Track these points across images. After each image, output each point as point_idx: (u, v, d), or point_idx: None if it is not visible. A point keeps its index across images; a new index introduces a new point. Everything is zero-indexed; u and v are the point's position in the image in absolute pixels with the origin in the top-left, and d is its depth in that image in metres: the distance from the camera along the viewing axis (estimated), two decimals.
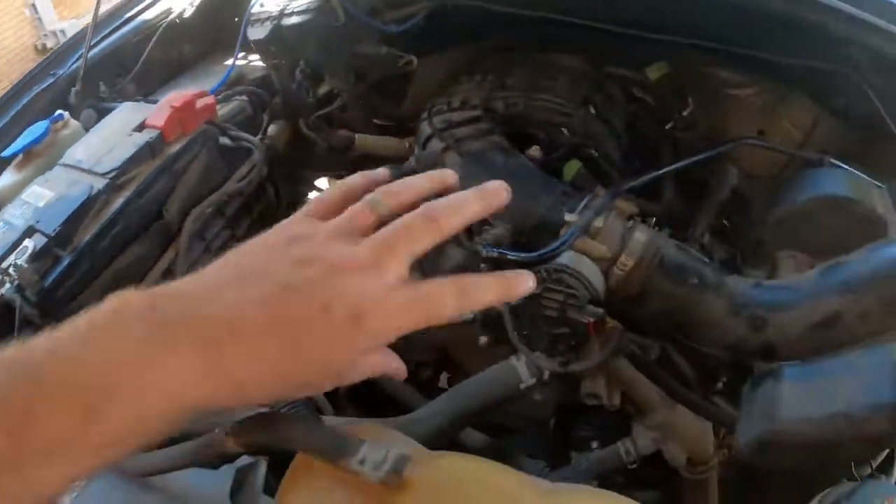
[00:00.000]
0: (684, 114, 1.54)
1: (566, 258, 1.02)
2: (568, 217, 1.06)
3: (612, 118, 1.42)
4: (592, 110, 1.38)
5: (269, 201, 1.50)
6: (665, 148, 1.50)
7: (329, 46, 1.48)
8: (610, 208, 1.09)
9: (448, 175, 0.64)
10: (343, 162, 1.66)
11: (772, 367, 0.96)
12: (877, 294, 0.92)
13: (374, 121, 1.67)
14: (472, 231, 1.21)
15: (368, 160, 1.62)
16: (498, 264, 1.06)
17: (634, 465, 1.24)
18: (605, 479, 1.38)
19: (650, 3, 1.41)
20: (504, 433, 1.49)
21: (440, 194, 0.60)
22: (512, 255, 1.03)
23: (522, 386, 1.17)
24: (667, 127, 1.52)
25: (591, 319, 0.98)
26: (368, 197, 0.57)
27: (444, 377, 1.49)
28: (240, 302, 0.48)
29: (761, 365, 0.99)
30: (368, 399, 1.50)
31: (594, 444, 1.31)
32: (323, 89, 1.59)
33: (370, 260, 0.51)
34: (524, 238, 1.13)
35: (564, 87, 1.39)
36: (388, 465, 0.64)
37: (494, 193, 0.60)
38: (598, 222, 1.05)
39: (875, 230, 1.08)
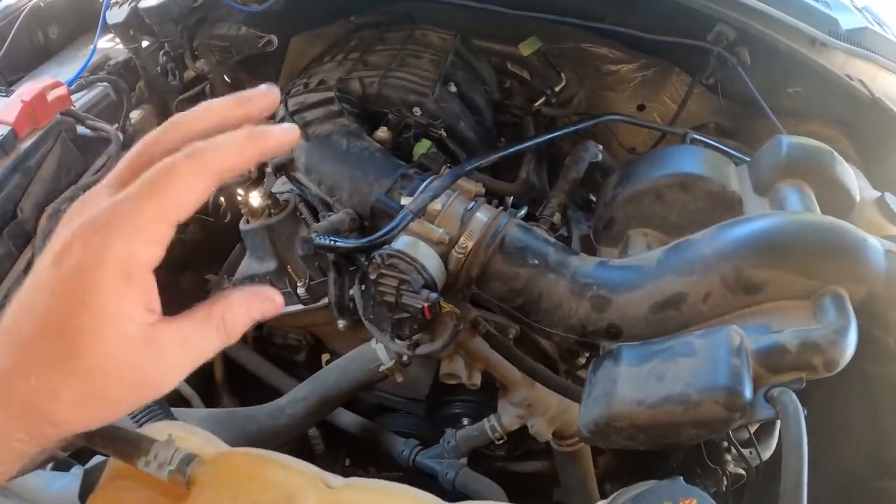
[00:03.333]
0: (557, 89, 1.49)
1: (401, 243, 0.95)
2: (403, 201, 0.98)
3: (475, 96, 1.35)
4: (454, 88, 1.30)
5: None
6: (530, 123, 1.44)
7: (188, 28, 1.39)
8: (454, 189, 1.03)
9: (260, 93, 0.47)
10: None
11: (612, 347, 0.92)
12: (721, 274, 0.87)
13: None
14: (318, 214, 1.16)
15: None
16: (333, 251, 1.00)
17: (502, 441, 1.21)
18: (488, 453, 1.36)
19: None
20: (384, 412, 1.45)
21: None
22: (341, 242, 0.96)
23: (382, 368, 1.13)
24: (535, 104, 1.46)
25: (426, 303, 0.92)
26: (148, 136, 0.45)
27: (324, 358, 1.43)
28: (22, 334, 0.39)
29: (607, 344, 0.94)
30: (242, 386, 1.45)
31: (465, 421, 1.27)
32: (190, 73, 1.49)
33: (124, 212, 0.40)
34: (366, 223, 1.05)
35: (426, 65, 1.31)
36: (174, 464, 0.66)
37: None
38: (437, 205, 0.99)
39: (728, 207, 1.03)
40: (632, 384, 0.82)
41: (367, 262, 0.97)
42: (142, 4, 1.33)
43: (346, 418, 1.37)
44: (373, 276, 0.94)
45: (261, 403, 1.23)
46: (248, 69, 1.51)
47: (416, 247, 0.94)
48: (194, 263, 1.56)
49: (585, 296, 0.94)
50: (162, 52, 1.43)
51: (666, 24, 1.33)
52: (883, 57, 1.48)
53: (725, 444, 1.28)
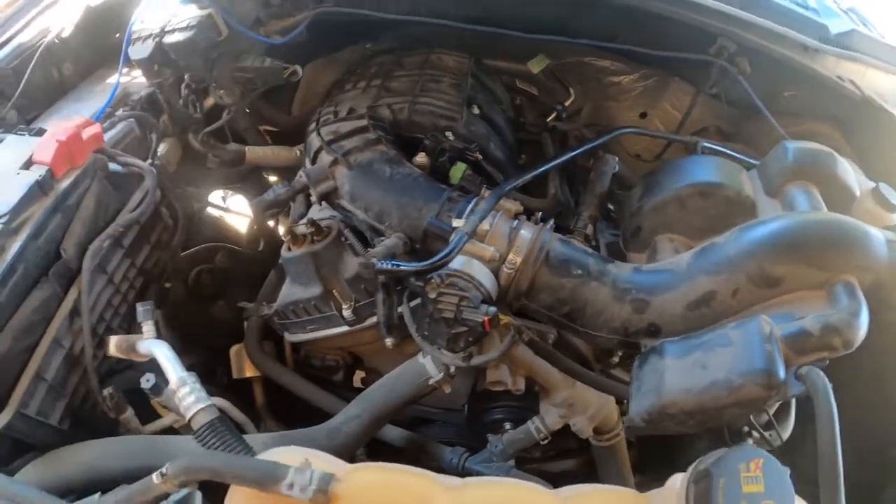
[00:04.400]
0: (566, 104, 1.67)
1: (457, 263, 1.11)
2: (455, 223, 1.15)
3: (494, 116, 1.52)
4: (476, 110, 1.47)
5: (166, 224, 1.53)
6: (547, 140, 1.62)
7: (213, 61, 1.49)
8: (496, 209, 1.20)
9: None
10: (235, 175, 1.69)
11: (655, 344, 1.10)
12: (746, 272, 1.06)
13: (263, 127, 1.70)
14: (366, 239, 1.30)
15: (260, 171, 1.67)
16: (393, 275, 1.15)
17: (546, 441, 1.38)
18: (525, 454, 1.51)
19: (531, 6, 1.51)
20: (423, 424, 1.60)
21: None
22: (404, 266, 1.11)
23: (431, 381, 1.28)
24: (548, 120, 1.64)
25: (486, 317, 1.08)
26: None
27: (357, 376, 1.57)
28: None
29: (648, 342, 1.12)
30: (286, 409, 1.57)
31: (507, 426, 1.43)
32: (209, 103, 1.60)
33: None
34: (418, 245, 1.21)
35: (448, 89, 1.48)
36: (314, 485, 0.75)
37: None
38: (486, 225, 1.16)
39: (744, 210, 1.22)
40: (678, 375, 1.01)
41: (422, 283, 1.12)
42: (167, 40, 1.43)
43: (391, 432, 1.51)
44: (433, 295, 1.10)
45: (301, 424, 1.34)
46: (265, 98, 1.64)
47: (472, 265, 1.11)
48: (225, 293, 1.68)
49: (626, 300, 1.12)
50: (184, 85, 1.53)
51: (670, 40, 1.52)
52: (870, 56, 1.68)
53: (746, 428, 1.47)
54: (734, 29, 1.48)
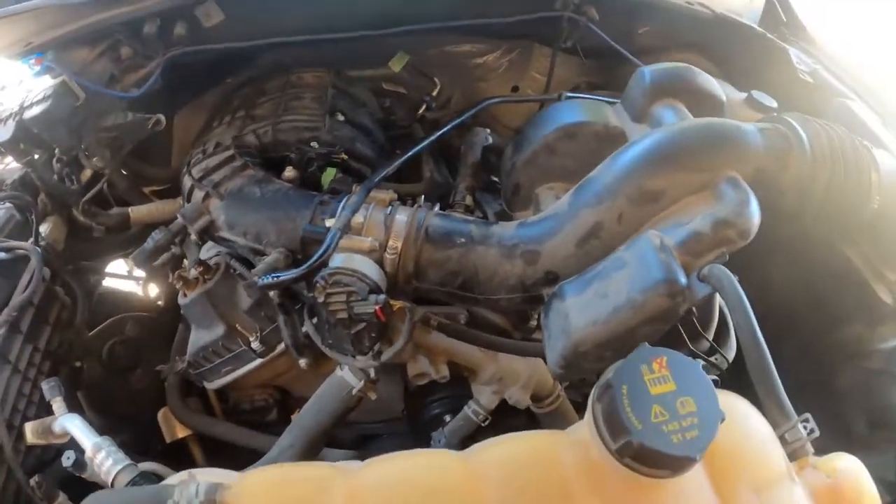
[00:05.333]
0: (434, 94, 1.61)
1: (337, 260, 1.03)
2: (329, 223, 1.07)
3: (361, 119, 1.45)
4: (340, 117, 1.40)
5: (64, 303, 1.42)
6: (418, 129, 1.56)
7: (77, 128, 1.40)
8: (369, 201, 1.12)
9: None
10: (128, 240, 1.59)
11: (553, 289, 1.02)
12: (625, 194, 1.00)
13: (148, 189, 1.61)
14: (254, 266, 1.21)
15: (151, 229, 1.57)
16: (278, 287, 1.06)
17: (487, 423, 1.28)
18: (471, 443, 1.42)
19: (371, 9, 1.46)
20: (369, 441, 1.50)
21: None
22: (284, 276, 1.02)
23: (355, 391, 1.18)
24: (419, 112, 1.58)
25: (377, 306, 1.00)
26: None
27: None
28: None
29: (549, 290, 1.04)
30: (226, 455, 1.47)
31: (447, 418, 1.33)
32: (87, 175, 1.52)
33: None
34: (300, 256, 1.12)
35: (310, 103, 1.41)
36: (202, 496, 0.68)
37: None
38: (360, 217, 1.08)
39: (614, 141, 1.15)
40: (582, 311, 0.93)
41: (311, 292, 1.04)
42: (26, 115, 1.33)
43: (334, 455, 1.41)
44: (321, 299, 1.02)
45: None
46: (140, 156, 1.54)
47: (352, 259, 1.03)
48: (141, 362, 1.57)
49: (516, 255, 1.04)
50: (55, 160, 1.44)
51: (514, 5, 1.47)
52: None
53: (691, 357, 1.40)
54: None
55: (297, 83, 1.52)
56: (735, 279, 0.86)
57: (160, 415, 1.48)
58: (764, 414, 0.79)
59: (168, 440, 1.47)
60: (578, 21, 1.49)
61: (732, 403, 0.79)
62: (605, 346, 0.91)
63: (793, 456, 0.76)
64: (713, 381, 1.37)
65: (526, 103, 1.70)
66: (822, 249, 1.30)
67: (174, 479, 0.75)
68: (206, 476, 0.72)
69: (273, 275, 1.03)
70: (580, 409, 1.46)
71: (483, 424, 1.27)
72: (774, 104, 1.43)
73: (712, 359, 1.41)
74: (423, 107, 1.63)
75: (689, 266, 0.91)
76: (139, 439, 1.47)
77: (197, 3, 1.38)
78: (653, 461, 0.64)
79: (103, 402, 1.47)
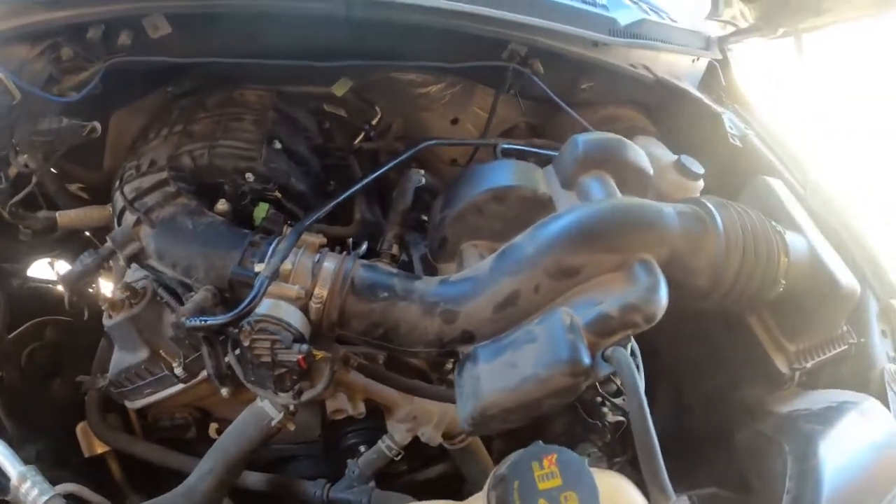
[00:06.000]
0: (374, 122, 1.65)
1: (264, 307, 1.08)
2: (257, 268, 1.11)
3: (297, 146, 1.49)
4: (278, 145, 1.43)
5: None
6: (354, 163, 1.61)
7: (9, 127, 1.38)
8: (299, 245, 1.16)
9: None
10: (53, 242, 1.59)
11: (469, 350, 1.09)
12: (544, 267, 1.08)
13: (75, 187, 1.60)
14: (180, 297, 1.24)
15: (76, 235, 1.58)
16: (205, 331, 1.10)
17: (399, 457, 1.36)
18: (392, 469, 1.49)
19: (324, 36, 1.48)
20: (285, 463, 1.56)
21: None
22: (211, 321, 1.07)
23: (274, 423, 1.24)
24: (356, 142, 1.62)
25: (300, 356, 1.05)
26: None
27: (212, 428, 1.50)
28: None
29: (464, 348, 1.11)
30: (149, 478, 1.50)
31: (362, 449, 1.41)
32: (14, 172, 1.50)
33: None
34: (227, 295, 1.16)
35: (249, 127, 1.44)
36: None
37: None
38: (288, 264, 1.13)
39: (542, 207, 1.24)
40: (492, 377, 1.02)
41: (237, 331, 1.08)
42: None
43: (252, 478, 1.46)
44: (246, 343, 1.07)
45: (163, 490, 1.28)
46: (71, 157, 1.53)
47: (279, 307, 1.08)
48: (62, 369, 1.58)
49: (435, 313, 1.12)
50: None
51: (464, 50, 1.54)
52: (660, 41, 1.76)
53: (599, 399, 1.50)
54: (522, 34, 1.52)
55: (239, 101, 1.54)
56: (633, 364, 0.95)
57: (79, 429, 1.49)
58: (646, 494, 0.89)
59: (87, 455, 1.49)
60: (523, 73, 1.56)
61: (617, 484, 0.88)
62: (511, 412, 0.99)
63: None
64: (619, 422, 1.52)
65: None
66: (727, 318, 1.42)
67: None
68: None
69: (201, 318, 1.07)
70: (491, 442, 1.55)
71: (395, 458, 1.35)
72: (701, 170, 1.53)
73: (619, 400, 1.51)
74: (362, 135, 1.67)
75: (595, 346, 1.00)
76: (57, 450, 1.47)
77: (144, 14, 1.39)
78: None
79: (21, 409, 1.46)
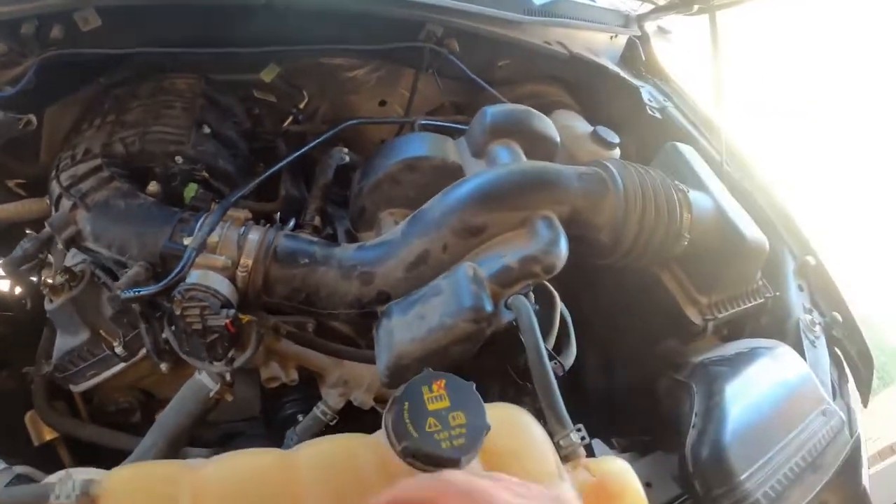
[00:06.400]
0: (301, 106, 1.75)
1: (193, 277, 1.17)
2: (186, 241, 1.21)
3: (226, 131, 1.59)
4: (207, 129, 1.52)
5: None
6: (281, 145, 1.71)
7: None
8: (226, 219, 1.26)
9: None
10: None
11: (384, 308, 1.20)
12: (450, 227, 1.20)
13: (12, 183, 1.67)
14: (116, 275, 1.33)
15: (15, 228, 1.64)
16: (139, 301, 1.19)
17: (334, 422, 1.45)
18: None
19: (245, 24, 1.57)
20: (232, 439, 1.64)
21: None
22: (144, 291, 1.17)
23: (212, 394, 1.33)
24: (284, 125, 1.72)
25: (227, 320, 1.15)
26: None
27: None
28: None
29: (381, 308, 1.22)
30: (96, 461, 1.56)
31: (300, 417, 1.50)
32: None
33: None
34: (160, 270, 1.26)
35: (179, 114, 1.52)
36: (78, 490, 0.80)
37: None
38: (215, 237, 1.22)
39: (451, 175, 1.36)
40: (404, 329, 1.13)
41: (170, 304, 1.18)
42: None
43: (194, 454, 1.52)
44: (178, 312, 1.16)
45: None
46: (7, 151, 1.59)
47: (207, 276, 1.18)
48: (7, 362, 1.64)
49: (353, 276, 1.23)
50: None
51: (382, 33, 1.65)
52: (576, 19, 1.88)
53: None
54: (436, 16, 1.64)
55: (169, 89, 1.62)
56: (532, 309, 1.07)
57: (27, 418, 1.55)
58: (544, 423, 0.99)
59: (36, 443, 1.55)
60: (440, 52, 1.67)
61: (516, 415, 0.99)
62: (423, 361, 1.09)
63: (566, 458, 0.96)
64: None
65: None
66: (642, 274, 1.53)
67: (53, 477, 0.87)
68: (80, 474, 0.85)
69: (135, 289, 1.17)
70: None
71: (331, 423, 1.45)
72: (616, 140, 1.66)
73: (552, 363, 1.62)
74: (290, 119, 1.78)
75: (497, 295, 1.11)
76: (7, 441, 1.52)
77: (76, 8, 1.46)
78: (427, 461, 0.82)
79: None
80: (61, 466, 1.59)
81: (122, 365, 1.41)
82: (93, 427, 1.53)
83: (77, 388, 1.49)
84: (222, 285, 1.18)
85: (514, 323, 1.09)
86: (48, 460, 1.55)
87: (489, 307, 1.07)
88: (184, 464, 0.92)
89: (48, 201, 1.56)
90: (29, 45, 1.46)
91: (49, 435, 1.55)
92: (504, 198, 1.19)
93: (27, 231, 1.76)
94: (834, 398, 1.51)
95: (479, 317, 1.06)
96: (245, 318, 1.19)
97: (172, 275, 1.17)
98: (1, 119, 1.47)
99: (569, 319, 1.50)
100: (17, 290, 1.77)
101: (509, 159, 1.33)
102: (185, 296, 1.16)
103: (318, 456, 0.92)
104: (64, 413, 1.55)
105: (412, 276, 1.19)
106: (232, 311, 1.16)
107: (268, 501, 0.84)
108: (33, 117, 1.50)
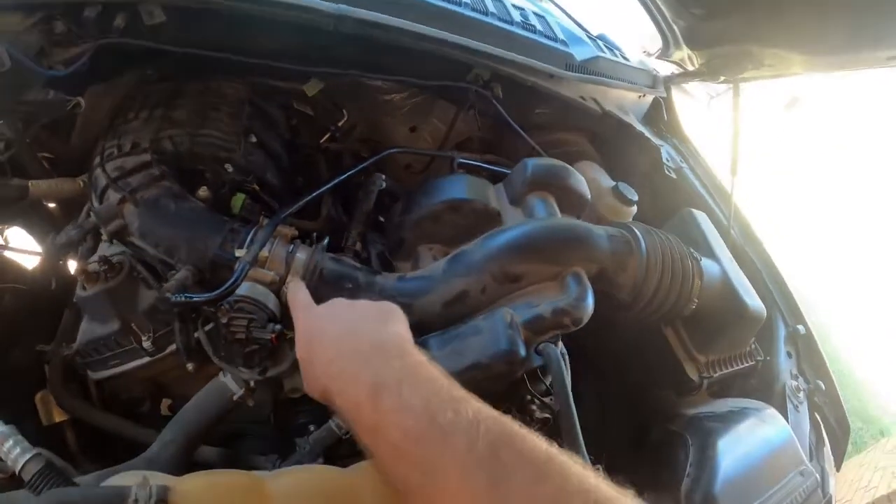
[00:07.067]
0: (340, 124, 1.86)
1: (243, 289, 1.28)
2: (238, 253, 1.31)
3: (271, 141, 1.68)
4: (253, 139, 1.62)
5: None
6: (321, 161, 1.81)
7: None
8: (274, 236, 1.37)
9: None
10: (20, 209, 1.71)
11: (421, 340, 1.31)
12: (490, 272, 1.32)
13: (43, 155, 1.73)
14: (158, 272, 1.42)
15: (40, 203, 1.70)
16: (189, 306, 1.29)
17: (347, 436, 1.55)
18: (332, 453, 1.68)
19: (301, 43, 1.65)
20: (237, 440, 1.73)
21: None
22: (196, 297, 1.26)
23: (235, 397, 1.42)
24: (322, 141, 1.84)
25: (273, 335, 1.26)
26: None
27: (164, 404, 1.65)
28: None
29: (416, 338, 1.33)
30: (101, 449, 1.64)
31: (311, 428, 1.59)
32: None
33: None
34: (207, 275, 1.35)
35: (227, 119, 1.61)
36: (155, 497, 0.87)
37: None
38: (265, 251, 1.33)
39: (491, 220, 1.49)
40: (441, 362, 1.21)
41: (214, 310, 1.27)
42: None
43: (207, 452, 1.61)
44: (224, 321, 1.26)
45: (117, 461, 1.39)
46: (45, 126, 1.66)
47: (256, 290, 1.28)
48: (20, 338, 1.68)
49: None
50: None
51: (434, 69, 1.77)
52: (611, 78, 2.03)
53: (529, 397, 1.74)
54: (486, 61, 1.76)
55: (216, 91, 1.70)
56: (562, 357, 1.20)
57: (38, 397, 1.60)
58: None
59: (45, 423, 1.59)
60: (483, 95, 1.80)
61: None
62: None
63: None
64: (546, 419, 1.76)
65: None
66: (648, 328, 1.67)
67: (128, 480, 0.94)
68: (156, 479, 0.93)
69: (186, 294, 1.26)
70: None
71: (343, 437, 1.54)
72: (635, 198, 1.80)
73: (548, 399, 1.75)
74: (328, 135, 1.88)
75: (529, 341, 1.24)
76: (14, 420, 1.56)
77: (142, 1, 1.51)
78: None
79: None
80: (66, 448, 1.66)
81: (146, 359, 1.48)
82: (106, 414, 1.59)
83: (95, 376, 1.55)
84: (270, 300, 1.28)
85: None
86: (54, 440, 1.60)
87: (523, 352, 1.20)
88: (254, 475, 1.01)
89: (80, 183, 1.64)
90: (88, 28, 1.49)
91: (59, 416, 1.59)
92: (542, 251, 1.32)
93: (50, 206, 1.84)
94: (811, 460, 1.67)
95: (513, 360, 1.19)
96: (290, 333, 1.29)
97: (226, 286, 1.26)
98: (52, 99, 1.53)
99: (566, 356, 1.64)
100: (35, 265, 1.82)
101: (545, 212, 1.46)
102: (233, 307, 1.26)
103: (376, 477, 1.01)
104: (77, 396, 1.61)
105: (448, 313, 1.30)
106: (278, 327, 1.26)
107: None
108: (82, 101, 1.54)
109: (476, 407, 0.72)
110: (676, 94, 2.37)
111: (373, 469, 1.02)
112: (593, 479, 0.62)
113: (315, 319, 0.97)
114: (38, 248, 1.81)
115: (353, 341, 0.87)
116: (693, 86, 2.53)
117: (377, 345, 0.85)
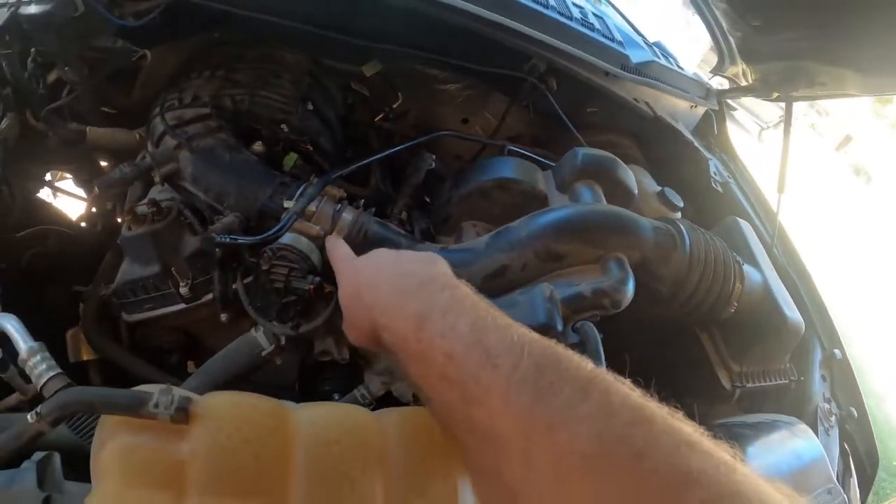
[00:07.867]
0: (394, 106, 1.92)
1: (287, 238, 1.32)
2: (286, 204, 1.36)
3: (327, 112, 1.74)
4: (310, 106, 1.68)
5: (4, 202, 1.61)
6: (373, 137, 1.87)
7: (66, 38, 1.54)
8: (322, 194, 1.42)
9: None
10: (74, 155, 1.78)
11: None
12: (533, 249, 1.35)
13: (103, 109, 1.78)
14: (205, 219, 1.47)
15: (99, 153, 1.76)
16: (230, 247, 1.34)
17: (372, 406, 1.59)
18: None
19: (366, 16, 1.71)
20: None
21: None
22: (241, 239, 1.31)
23: (264, 353, 1.45)
24: (376, 119, 1.88)
25: (311, 286, 1.30)
26: None
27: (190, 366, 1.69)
28: None
29: None
30: (122, 387, 1.67)
31: (336, 396, 1.63)
32: (51, 78, 1.64)
33: None
34: (253, 223, 1.41)
35: (287, 85, 1.67)
36: (176, 404, 0.88)
37: None
38: (312, 206, 1.38)
39: (537, 202, 1.53)
40: None
41: (255, 258, 1.32)
42: (23, 11, 1.48)
43: None
44: (265, 267, 1.31)
45: None
46: (109, 79, 1.72)
47: (300, 241, 1.33)
48: (59, 277, 1.75)
49: None
50: (30, 59, 1.58)
51: (491, 56, 1.82)
52: (664, 83, 2.07)
53: None
54: (545, 53, 1.81)
55: (278, 59, 1.77)
56: (599, 337, 1.23)
57: (69, 334, 1.64)
58: None
59: (72, 360, 1.64)
60: (538, 87, 1.85)
61: None
62: None
63: None
64: None
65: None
66: (683, 330, 1.69)
67: (151, 387, 0.95)
68: (180, 391, 0.94)
69: (231, 236, 1.31)
70: None
71: (369, 406, 1.58)
72: (681, 204, 1.83)
73: None
74: (382, 115, 1.93)
75: (567, 318, 1.27)
76: None
77: None
78: None
79: (14, 309, 1.55)
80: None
81: (182, 306, 1.53)
82: (135, 358, 1.63)
83: (129, 318, 1.59)
84: (313, 253, 1.33)
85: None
86: (77, 380, 1.63)
87: (560, 326, 1.22)
88: (280, 402, 1.02)
89: (137, 136, 1.71)
90: None
91: (87, 355, 1.64)
92: (588, 233, 1.35)
93: (101, 163, 1.91)
94: None
95: (548, 333, 1.20)
96: (328, 287, 1.34)
97: (271, 231, 1.31)
98: (120, 47, 1.61)
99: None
100: (75, 212, 1.89)
101: (591, 199, 1.50)
102: (275, 254, 1.31)
103: (403, 423, 1.04)
104: (108, 337, 1.65)
105: (487, 286, 1.34)
106: (317, 279, 1.31)
107: (360, 451, 0.96)
108: (148, 53, 1.62)
109: (521, 331, 0.75)
110: (728, 125, 2.41)
111: (401, 415, 1.07)
112: (638, 396, 0.65)
113: (360, 265, 1.01)
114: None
115: (401, 280, 0.91)
116: (744, 116, 2.56)
117: (425, 279, 0.88)
